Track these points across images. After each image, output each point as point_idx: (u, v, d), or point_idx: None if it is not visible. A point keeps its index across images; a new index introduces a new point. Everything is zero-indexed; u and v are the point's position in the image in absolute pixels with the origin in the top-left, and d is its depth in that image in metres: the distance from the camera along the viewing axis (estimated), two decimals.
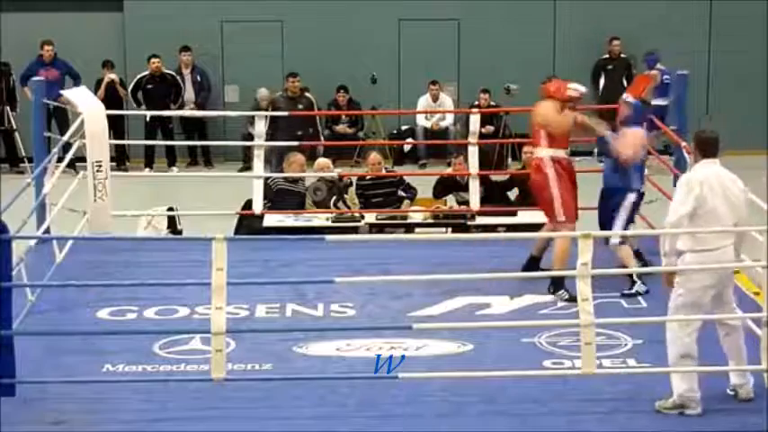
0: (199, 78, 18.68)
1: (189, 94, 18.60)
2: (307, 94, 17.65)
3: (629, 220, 9.78)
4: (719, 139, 7.73)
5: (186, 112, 17.95)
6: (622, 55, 18.89)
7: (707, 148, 7.70)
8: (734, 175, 7.72)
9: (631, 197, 9.73)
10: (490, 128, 17.66)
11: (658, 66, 17.86)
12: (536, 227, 11.43)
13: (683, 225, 7.51)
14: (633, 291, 9.53)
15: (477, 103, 17.88)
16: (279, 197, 12.13)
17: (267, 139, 12.79)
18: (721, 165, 7.59)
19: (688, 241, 7.51)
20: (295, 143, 14.26)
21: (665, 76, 17.20)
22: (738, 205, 7.61)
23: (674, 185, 11.12)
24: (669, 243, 7.54)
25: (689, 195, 7.52)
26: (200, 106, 18.40)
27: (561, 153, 9.71)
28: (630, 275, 9.54)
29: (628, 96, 9.92)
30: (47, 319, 8.99)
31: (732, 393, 7.72)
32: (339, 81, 18.55)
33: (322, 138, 17.44)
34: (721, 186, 7.59)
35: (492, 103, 17.83)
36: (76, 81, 17.18)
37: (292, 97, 17.38)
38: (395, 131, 19.09)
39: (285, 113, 16.47)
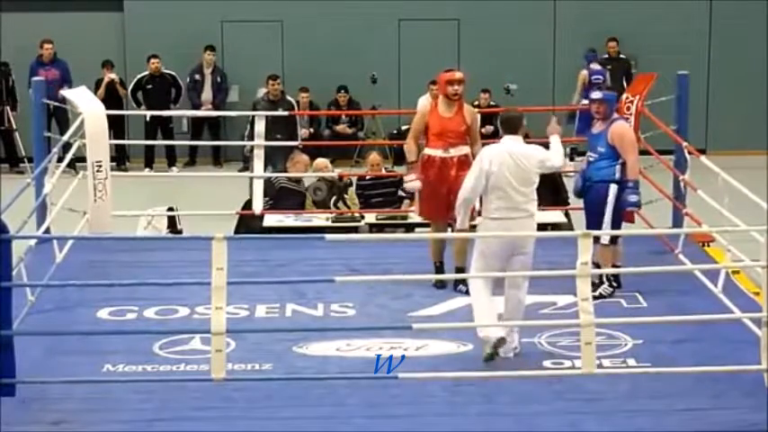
0: (219, 80, 18.68)
1: (207, 93, 18.62)
2: (287, 98, 17.47)
3: (619, 217, 9.62)
4: (519, 118, 8.52)
5: (201, 113, 17.96)
6: (621, 55, 18.90)
7: (507, 125, 8.50)
8: (534, 148, 8.46)
9: (614, 190, 9.51)
10: (490, 128, 17.64)
11: (592, 65, 17.87)
12: (536, 227, 11.43)
13: (474, 193, 8.40)
14: (597, 293, 9.29)
15: (477, 103, 17.86)
16: (281, 196, 12.14)
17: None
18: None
19: (482, 208, 8.46)
20: (296, 143, 14.26)
21: (595, 77, 17.28)
22: (530, 177, 8.33)
23: (674, 186, 11.21)
24: (460, 215, 8.50)
25: (480, 170, 8.33)
26: (216, 107, 18.40)
27: (433, 151, 9.68)
28: (600, 277, 9.50)
29: (596, 93, 9.80)
30: (47, 319, 8.99)
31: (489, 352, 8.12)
32: (339, 81, 18.56)
33: (299, 139, 17.08)
34: (513, 159, 8.29)
35: (492, 103, 17.83)
36: (69, 86, 17.03)
37: (273, 100, 17.15)
38: (395, 131, 19.08)
39: (285, 113, 16.50)
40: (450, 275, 9.60)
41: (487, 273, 8.25)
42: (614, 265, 9.57)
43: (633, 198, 9.47)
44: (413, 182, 9.67)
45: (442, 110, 9.64)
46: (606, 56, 18.88)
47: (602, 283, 9.51)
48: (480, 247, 8.33)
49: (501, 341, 8.09)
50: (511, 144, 8.40)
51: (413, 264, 9.90)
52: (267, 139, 12.32)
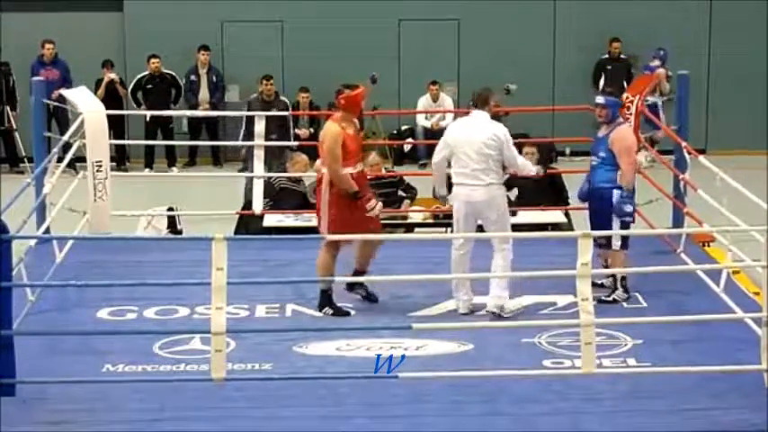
0: (215, 79, 18.69)
1: (204, 93, 18.62)
2: (282, 98, 17.41)
3: (628, 223, 9.54)
4: (486, 94, 9.31)
5: (200, 113, 17.97)
6: (622, 56, 18.91)
7: (476, 101, 9.30)
8: (496, 125, 9.18)
9: (617, 194, 9.40)
10: None
11: (653, 63, 17.88)
12: (536, 227, 11.46)
13: (441, 164, 9.31)
14: (611, 298, 9.38)
15: None
16: (281, 196, 12.13)
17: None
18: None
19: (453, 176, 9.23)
20: (295, 143, 14.24)
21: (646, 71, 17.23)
22: (483, 149, 9.04)
23: (674, 186, 11.21)
24: (435, 176, 9.46)
25: (444, 139, 9.28)
26: (213, 106, 18.40)
27: (348, 170, 9.15)
28: (614, 282, 9.50)
29: (599, 98, 9.76)
30: (47, 319, 8.99)
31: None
32: (339, 81, 18.47)
33: (292, 139, 16.79)
34: (471, 130, 9.11)
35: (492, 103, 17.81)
36: (69, 86, 16.95)
37: (267, 101, 17.12)
38: (395, 131, 19.09)
39: (284, 113, 16.55)
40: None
41: (465, 233, 9.15)
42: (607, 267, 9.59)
43: (628, 208, 9.38)
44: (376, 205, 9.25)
45: (349, 129, 9.25)
46: (607, 56, 18.89)
47: (616, 288, 9.49)
48: (453, 212, 9.29)
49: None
50: (475, 117, 9.20)
51: (413, 264, 9.90)
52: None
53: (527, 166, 9.41)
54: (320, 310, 9.25)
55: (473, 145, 9.06)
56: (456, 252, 9.23)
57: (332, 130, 9.20)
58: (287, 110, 17.19)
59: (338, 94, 9.56)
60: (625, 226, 9.47)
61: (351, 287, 9.43)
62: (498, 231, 9.05)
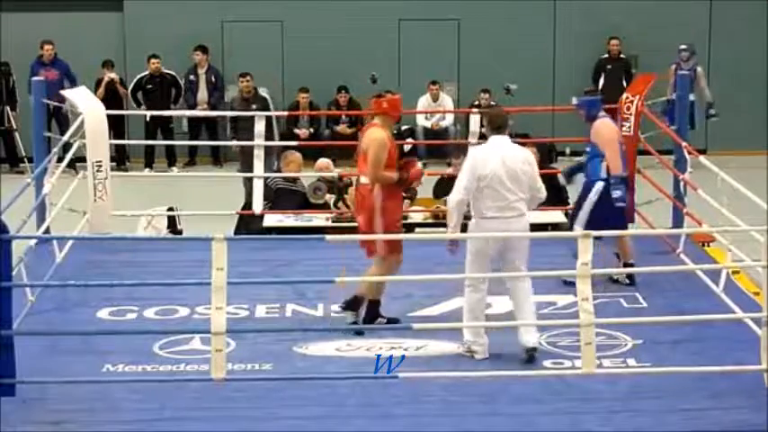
0: (213, 79, 18.68)
1: (202, 93, 18.61)
2: (262, 94, 17.27)
3: (609, 215, 9.53)
4: (505, 116, 8.58)
5: (198, 113, 17.97)
6: (622, 55, 18.91)
7: (494, 124, 8.44)
8: (523, 148, 8.45)
9: (599, 186, 9.60)
10: None
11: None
12: (536, 227, 11.43)
13: (468, 195, 8.24)
14: (616, 278, 9.69)
15: (477, 103, 17.89)
16: (278, 197, 12.13)
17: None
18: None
19: (472, 209, 8.32)
20: (293, 143, 14.23)
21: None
22: (520, 176, 8.24)
23: (674, 186, 11.21)
24: (455, 217, 8.31)
25: (473, 171, 8.22)
26: (212, 107, 18.39)
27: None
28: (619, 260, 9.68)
29: (573, 100, 10.00)
30: (47, 319, 8.99)
31: (468, 354, 8.27)
32: (339, 81, 18.56)
33: (276, 137, 16.52)
34: (503, 158, 8.23)
35: (492, 103, 17.83)
36: (73, 84, 16.98)
37: (246, 98, 17.06)
38: (395, 131, 19.05)
39: (282, 113, 16.54)
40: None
41: (483, 273, 8.29)
42: (626, 264, 9.72)
43: (615, 193, 9.59)
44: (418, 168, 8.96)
45: (389, 135, 9.01)
46: (607, 55, 18.89)
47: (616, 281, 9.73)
48: (476, 248, 8.29)
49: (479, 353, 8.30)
50: (499, 143, 8.36)
51: (413, 264, 9.89)
52: (245, 138, 12.26)
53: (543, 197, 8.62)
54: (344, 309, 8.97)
55: (510, 173, 8.22)
56: (473, 295, 8.35)
57: (379, 137, 8.80)
58: (267, 105, 16.92)
59: (378, 97, 9.31)
60: (618, 210, 9.61)
61: (372, 318, 9.06)
62: (523, 263, 8.30)
